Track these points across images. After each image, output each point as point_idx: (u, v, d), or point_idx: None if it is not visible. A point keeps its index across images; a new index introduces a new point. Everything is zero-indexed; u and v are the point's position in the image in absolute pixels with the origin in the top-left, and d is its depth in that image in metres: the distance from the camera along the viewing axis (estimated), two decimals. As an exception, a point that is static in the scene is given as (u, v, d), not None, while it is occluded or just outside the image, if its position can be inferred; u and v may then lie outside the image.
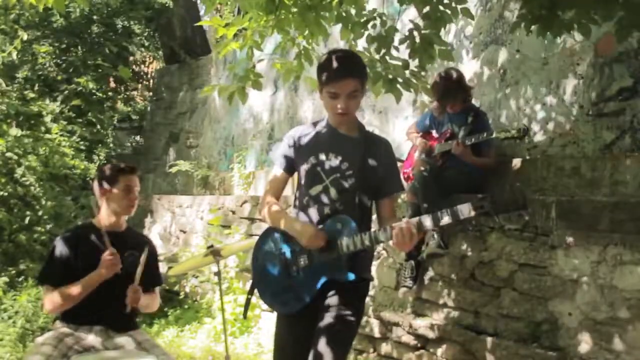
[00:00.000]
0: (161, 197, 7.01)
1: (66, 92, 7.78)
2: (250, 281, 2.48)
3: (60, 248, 2.60)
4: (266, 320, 4.64)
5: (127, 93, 9.83)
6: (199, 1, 9.65)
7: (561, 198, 3.15)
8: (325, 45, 4.91)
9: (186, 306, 5.39)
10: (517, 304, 3.17)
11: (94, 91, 7.86)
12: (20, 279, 5.56)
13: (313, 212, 2.24)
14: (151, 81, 10.19)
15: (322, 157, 2.26)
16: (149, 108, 9.30)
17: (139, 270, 2.58)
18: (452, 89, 3.78)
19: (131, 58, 9.99)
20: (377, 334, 3.83)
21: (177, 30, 8.88)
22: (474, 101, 4.12)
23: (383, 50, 3.39)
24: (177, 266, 3.57)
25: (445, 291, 3.53)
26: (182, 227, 6.37)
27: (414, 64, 3.41)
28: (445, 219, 1.98)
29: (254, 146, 6.79)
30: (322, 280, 2.17)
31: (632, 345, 2.70)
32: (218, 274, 2.88)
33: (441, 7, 3.25)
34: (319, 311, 2.16)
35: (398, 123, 5.09)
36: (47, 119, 7.27)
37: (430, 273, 3.64)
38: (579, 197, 3.28)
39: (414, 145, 4.14)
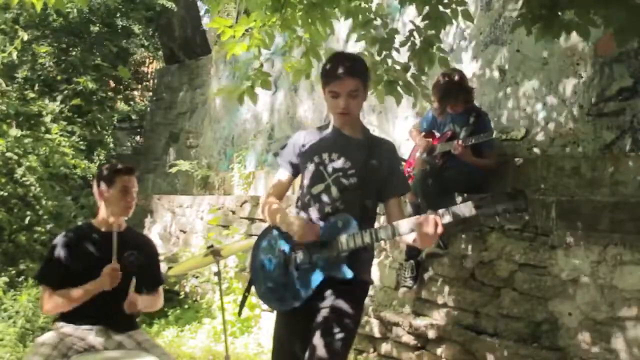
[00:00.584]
0: (161, 197, 7.01)
1: (66, 92, 7.77)
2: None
3: (59, 248, 2.60)
4: (266, 320, 4.64)
5: (127, 93, 9.82)
6: (199, 2, 9.65)
7: (561, 198, 3.15)
8: (326, 46, 4.91)
9: (186, 306, 5.39)
10: (517, 304, 3.17)
11: (94, 91, 7.86)
12: (20, 279, 5.55)
13: (314, 211, 2.24)
14: (151, 81, 10.19)
15: (325, 156, 2.28)
16: (148, 108, 9.30)
17: (134, 281, 2.59)
18: (452, 90, 3.78)
19: (131, 58, 9.98)
20: (377, 334, 3.83)
21: (177, 30, 8.89)
22: (474, 101, 4.12)
23: (384, 53, 3.39)
24: (177, 266, 3.57)
25: (445, 291, 3.53)
26: (182, 227, 6.38)
27: (414, 67, 3.41)
28: (447, 218, 1.98)
29: (254, 146, 6.79)
30: (320, 278, 2.17)
31: (632, 345, 2.70)
32: (218, 274, 2.88)
33: (441, 8, 3.25)
34: (317, 312, 2.16)
35: (398, 123, 5.09)
36: (47, 119, 7.26)
37: (430, 273, 3.64)
38: (579, 197, 3.28)
39: (416, 146, 4.14)
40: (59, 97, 7.71)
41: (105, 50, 8.28)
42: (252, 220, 5.26)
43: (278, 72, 6.37)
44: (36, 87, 7.68)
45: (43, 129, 7.15)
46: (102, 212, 2.71)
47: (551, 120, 4.02)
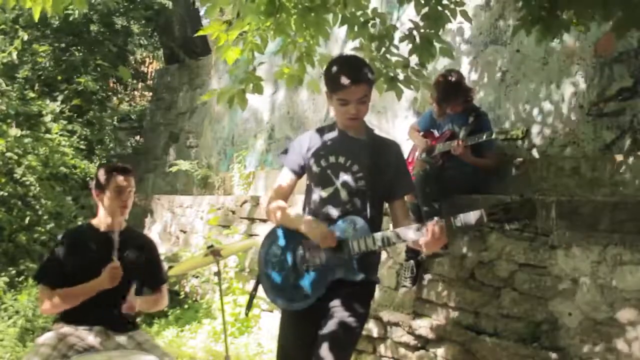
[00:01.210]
0: (161, 197, 7.01)
1: (66, 91, 7.77)
2: (253, 280, 2.49)
3: (59, 248, 2.62)
4: (266, 321, 4.64)
5: (127, 93, 9.82)
6: (198, 2, 9.64)
7: (561, 198, 3.15)
8: (325, 47, 4.90)
9: (186, 306, 5.39)
10: (517, 304, 3.17)
11: (94, 91, 7.86)
12: (20, 279, 5.56)
13: (323, 214, 2.25)
14: (151, 81, 10.19)
15: (332, 159, 2.28)
16: (148, 108, 9.30)
17: (134, 285, 2.60)
18: (451, 91, 3.78)
19: (131, 58, 9.98)
20: (376, 334, 3.83)
21: (177, 30, 8.88)
22: (474, 101, 4.12)
23: (383, 49, 3.38)
24: (177, 266, 3.57)
25: (445, 291, 3.53)
26: (182, 227, 6.38)
27: (414, 61, 3.40)
28: (458, 225, 2.04)
29: (254, 146, 6.79)
30: (331, 279, 2.18)
31: (632, 345, 2.70)
32: (218, 274, 2.88)
33: (440, 8, 3.25)
34: (324, 313, 2.17)
35: (397, 123, 5.09)
36: (47, 118, 7.26)
37: (430, 273, 3.64)
38: (579, 197, 3.28)
39: (415, 146, 4.14)
40: (59, 97, 7.71)
41: (105, 50, 8.28)
42: (252, 220, 5.26)
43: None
44: (36, 87, 7.68)
45: (43, 128, 7.15)
46: (101, 212, 2.72)
47: (551, 120, 4.02)
